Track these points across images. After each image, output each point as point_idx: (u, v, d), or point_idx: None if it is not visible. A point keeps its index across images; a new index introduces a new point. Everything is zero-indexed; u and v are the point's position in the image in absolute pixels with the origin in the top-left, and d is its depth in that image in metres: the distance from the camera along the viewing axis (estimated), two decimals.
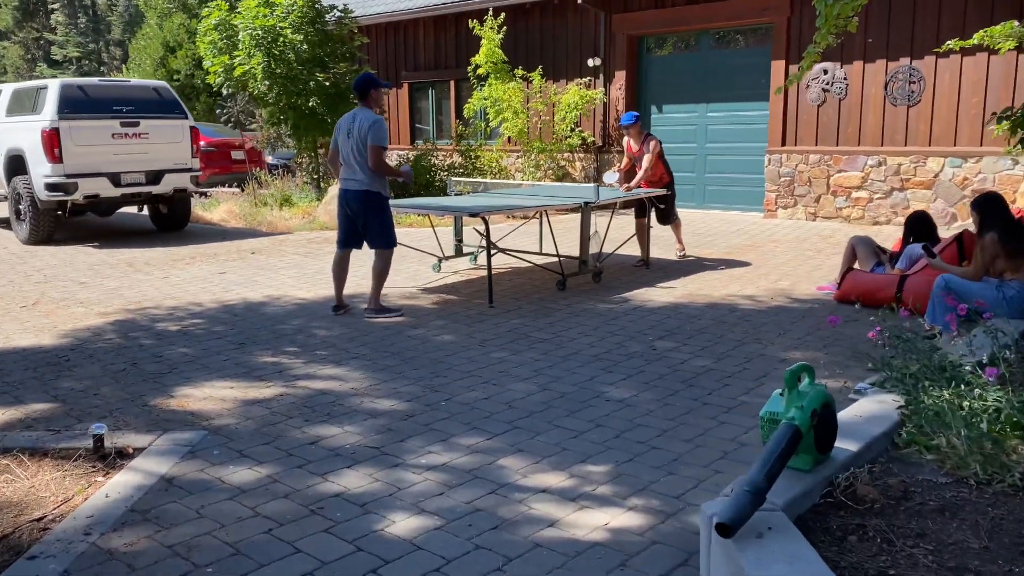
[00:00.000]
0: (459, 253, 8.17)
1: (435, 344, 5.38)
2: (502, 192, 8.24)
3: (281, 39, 12.55)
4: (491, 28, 12.85)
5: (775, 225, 10.96)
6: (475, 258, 8.42)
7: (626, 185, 8.44)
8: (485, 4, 13.76)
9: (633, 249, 8.18)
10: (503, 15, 13.04)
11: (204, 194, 14.72)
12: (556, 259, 7.34)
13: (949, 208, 10.13)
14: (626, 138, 8.59)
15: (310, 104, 13.09)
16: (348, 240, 6.38)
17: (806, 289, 6.86)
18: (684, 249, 8.50)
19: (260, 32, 12.32)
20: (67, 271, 8.43)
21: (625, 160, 8.62)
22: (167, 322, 6.13)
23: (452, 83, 15.50)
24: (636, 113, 8.42)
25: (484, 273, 7.76)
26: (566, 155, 13.70)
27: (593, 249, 7.24)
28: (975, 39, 7.29)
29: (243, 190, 15.30)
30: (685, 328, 5.67)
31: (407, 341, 5.46)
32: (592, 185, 7.08)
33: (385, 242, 6.20)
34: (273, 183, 14.07)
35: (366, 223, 6.19)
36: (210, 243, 10.31)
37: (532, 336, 5.53)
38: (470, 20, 13.34)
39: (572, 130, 13.00)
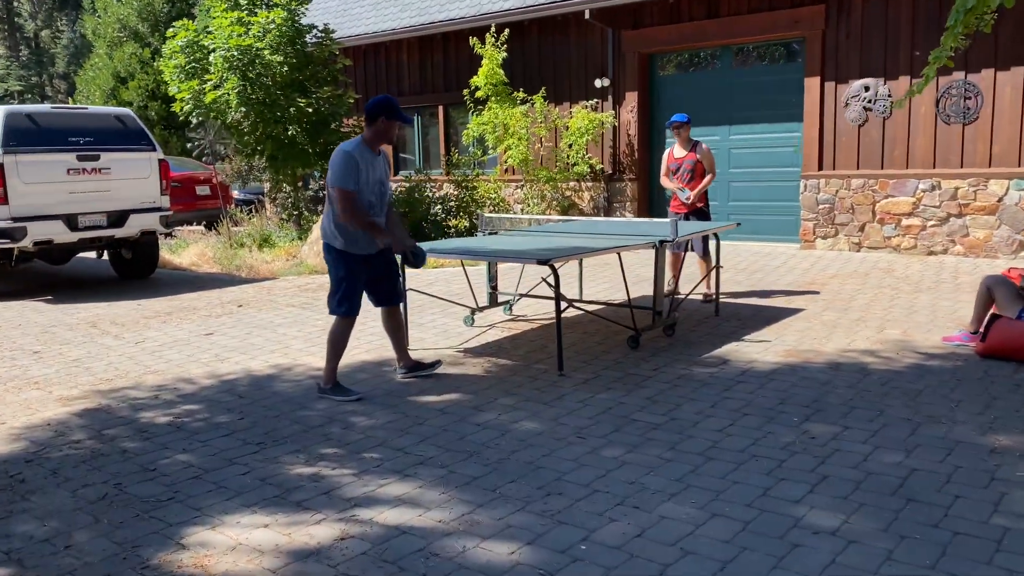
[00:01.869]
0: (493, 302, 6.90)
1: (518, 436, 4.09)
2: (541, 230, 7.00)
3: (258, 61, 11.22)
4: (492, 46, 11.69)
5: (818, 257, 9.91)
6: (510, 307, 7.16)
7: (691, 196, 7.27)
8: (476, 22, 12.63)
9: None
10: (507, 31, 11.90)
11: (170, 235, 13.22)
12: (609, 305, 6.12)
13: (1016, 236, 9.17)
14: (669, 148, 7.49)
15: (289, 132, 11.78)
16: (377, 298, 5.09)
17: (927, 339, 5.74)
18: (711, 289, 7.32)
19: (235, 53, 10.98)
20: (15, 335, 6.95)
21: (664, 174, 7.50)
22: (153, 410, 4.74)
23: (441, 108, 14.30)
24: (687, 115, 7.35)
25: (527, 326, 6.51)
26: (572, 184, 12.55)
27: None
28: None
29: (212, 229, 13.84)
30: (827, 401, 4.47)
31: (479, 433, 4.17)
32: (669, 219, 5.88)
33: (333, 305, 4.88)
34: (249, 221, 12.64)
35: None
36: (185, 293, 8.88)
37: (638, 420, 4.27)
38: (471, 38, 12.17)
39: (580, 157, 11.86)
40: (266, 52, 11.24)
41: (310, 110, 11.62)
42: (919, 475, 3.46)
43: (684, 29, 11.34)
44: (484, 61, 11.70)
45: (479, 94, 12.00)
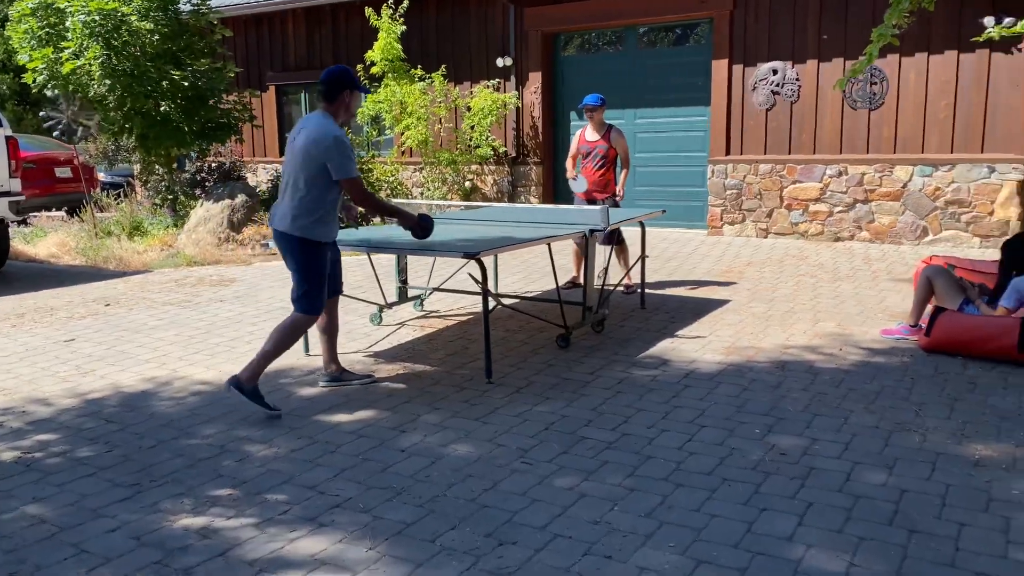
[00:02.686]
0: (403, 298, 6.24)
1: (452, 464, 3.49)
2: (454, 217, 6.37)
3: (124, 28, 10.02)
4: (390, 18, 10.89)
5: (727, 244, 9.72)
6: (421, 302, 6.52)
7: (620, 191, 6.86)
8: None
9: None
10: (406, 2, 11.12)
11: (24, 222, 11.79)
12: (535, 301, 5.60)
13: (920, 222, 9.24)
14: (580, 130, 7.01)
15: (162, 109, 10.63)
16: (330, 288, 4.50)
17: (865, 333, 5.49)
18: (632, 281, 6.94)
19: (97, 18, 9.75)
20: None
21: (572, 156, 7.04)
22: None
23: None
24: (602, 96, 6.88)
25: (442, 323, 5.91)
26: (474, 168, 11.95)
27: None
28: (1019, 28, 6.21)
29: (74, 216, 12.46)
30: (785, 408, 4.09)
31: (405, 462, 3.54)
32: (598, 207, 5.39)
33: (299, 300, 4.23)
34: (119, 207, 11.39)
35: (291, 269, 4.26)
36: (42, 290, 7.75)
37: (587, 438, 3.75)
38: (367, 8, 11.31)
39: (483, 139, 11.26)
40: (133, 18, 10.06)
41: (185, 84, 10.50)
42: (911, 498, 3.09)
43: (588, 8, 10.90)
44: (380, 34, 10.91)
45: (374, 70, 11.19)
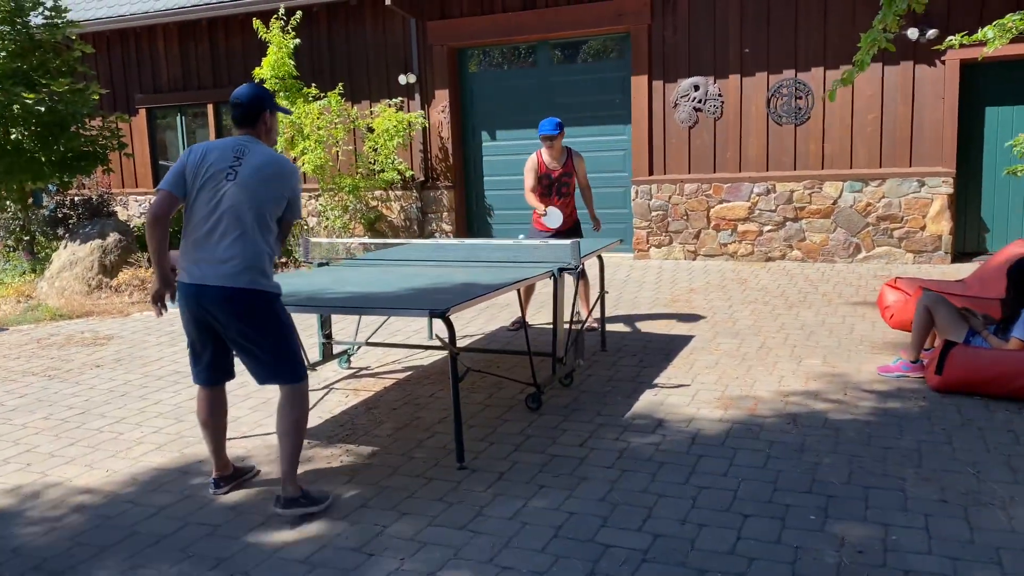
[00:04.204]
0: (328, 355, 5.27)
1: None
2: (389, 258, 5.44)
3: None
4: (280, 31, 9.83)
5: (658, 268, 9.20)
6: (348, 358, 5.55)
7: (597, 219, 6.18)
8: (252, 7, 10.67)
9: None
10: (299, 14, 10.08)
11: None
12: (496, 353, 4.77)
13: (852, 239, 8.99)
14: (534, 155, 6.24)
15: (12, 136, 9.16)
16: (202, 365, 3.46)
17: (859, 370, 4.96)
18: (591, 317, 6.26)
19: None
20: None
21: (530, 189, 6.25)
22: None
23: (211, 107, 12.11)
24: (558, 119, 6.13)
25: (376, 384, 5.01)
26: (379, 193, 10.99)
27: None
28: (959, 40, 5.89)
29: None
30: (826, 480, 3.42)
31: None
32: (568, 242, 4.62)
33: (291, 370, 3.32)
34: None
35: (245, 340, 3.27)
36: None
37: (615, 546, 2.95)
38: (255, 19, 10.17)
39: (388, 163, 10.32)
40: None
41: (40, 109, 9.07)
42: None
43: (497, 21, 10.21)
44: (271, 49, 9.82)
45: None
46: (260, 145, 3.33)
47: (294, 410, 3.29)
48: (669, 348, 5.67)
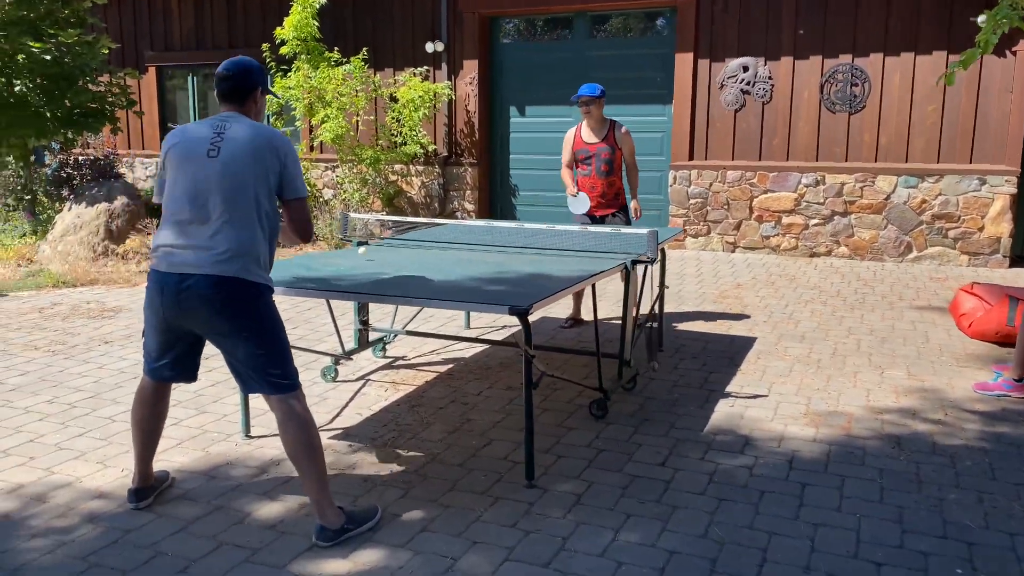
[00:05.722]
0: (363, 343, 4.78)
1: None
2: (435, 240, 4.93)
3: None
4: None
5: (696, 260, 8.71)
6: (383, 347, 5.07)
7: (638, 207, 5.65)
8: None
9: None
10: None
11: None
12: (555, 352, 4.29)
13: (904, 237, 8.50)
14: (573, 129, 5.73)
15: (16, 88, 8.60)
16: (165, 359, 2.94)
17: (951, 386, 4.49)
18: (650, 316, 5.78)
19: None
20: None
21: (567, 165, 5.76)
22: None
23: None
24: (601, 86, 5.61)
25: (415, 377, 4.52)
26: (398, 168, 10.45)
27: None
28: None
29: None
30: (961, 524, 2.96)
31: None
32: (646, 230, 4.12)
33: (281, 375, 2.81)
34: None
35: (230, 338, 2.78)
36: None
37: None
38: None
39: (412, 135, 9.77)
40: None
41: (47, 59, 8.51)
42: None
43: None
44: (294, 8, 9.24)
45: (284, 50, 9.50)
46: (244, 119, 2.84)
47: (296, 428, 2.78)
48: (732, 351, 5.19)
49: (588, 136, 5.64)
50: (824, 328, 5.78)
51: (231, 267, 2.71)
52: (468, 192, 10.32)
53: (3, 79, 8.50)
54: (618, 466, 3.43)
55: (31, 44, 8.36)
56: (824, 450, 3.61)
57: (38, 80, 8.68)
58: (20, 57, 8.34)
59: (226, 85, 2.90)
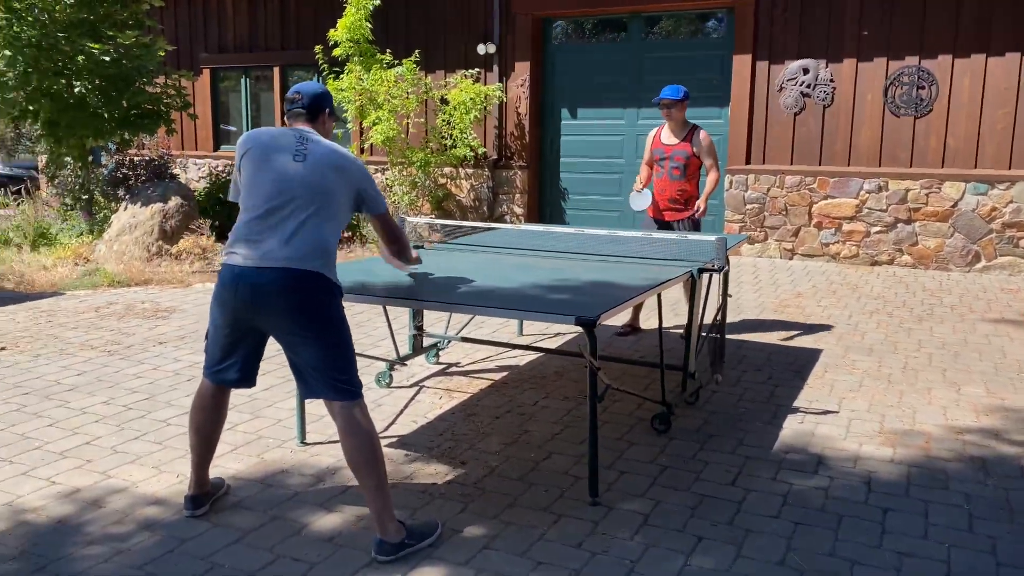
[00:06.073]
0: (418, 349, 4.70)
1: None
2: (487, 244, 4.83)
3: None
4: None
5: (753, 267, 8.48)
6: (436, 353, 4.98)
7: (703, 205, 5.47)
8: None
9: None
10: None
11: None
12: (614, 362, 4.15)
13: (971, 246, 8.17)
14: (655, 129, 5.61)
15: (76, 89, 8.73)
16: (228, 361, 2.89)
17: None
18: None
19: None
20: None
21: (646, 163, 5.65)
22: None
23: (277, 70, 11.60)
24: (684, 88, 5.45)
25: (468, 384, 4.42)
26: (447, 170, 10.39)
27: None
28: None
29: None
30: None
31: None
32: (714, 236, 3.97)
33: (347, 380, 2.75)
34: (19, 208, 9.37)
35: (300, 335, 2.71)
36: None
37: None
38: None
39: (462, 138, 9.70)
40: None
41: (106, 60, 8.62)
42: None
43: None
44: (348, 9, 9.23)
45: (337, 52, 9.50)
46: (318, 137, 2.88)
47: (359, 438, 2.71)
48: (798, 363, 5.00)
49: (667, 137, 5.51)
50: (892, 340, 5.55)
51: (311, 263, 2.71)
52: (517, 195, 10.22)
53: (63, 80, 8.63)
54: (685, 484, 3.28)
55: (91, 46, 8.47)
56: (903, 472, 3.42)
57: (97, 81, 8.80)
58: (80, 59, 8.46)
59: (301, 103, 2.91)
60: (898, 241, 8.47)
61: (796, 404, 4.25)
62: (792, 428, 3.91)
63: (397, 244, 3.13)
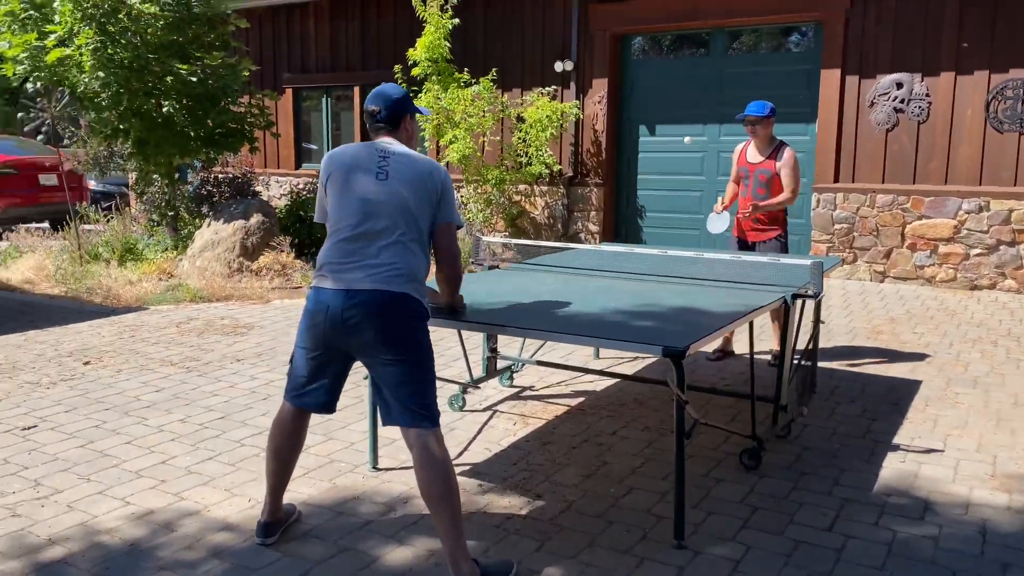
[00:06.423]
0: (492, 371, 4.58)
1: None
2: (566, 266, 4.69)
3: (124, 11, 8.37)
4: (437, 12, 9.26)
5: (843, 290, 8.09)
6: (511, 375, 4.85)
7: (749, 206, 5.21)
8: None
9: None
10: None
11: None
12: (698, 392, 3.93)
13: None
14: (742, 146, 5.40)
15: (164, 109, 8.98)
16: (314, 385, 2.83)
17: None
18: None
19: None
20: None
21: (733, 180, 5.44)
22: None
23: (357, 90, 11.74)
24: (771, 104, 5.22)
25: (543, 409, 4.26)
26: (522, 188, 10.30)
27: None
28: None
29: (59, 230, 10.79)
30: None
31: None
32: (809, 259, 3.75)
33: (425, 408, 2.69)
34: (108, 223, 9.69)
35: (388, 357, 2.63)
36: (7, 334, 6.06)
37: None
38: (414, 1, 9.67)
39: (538, 156, 9.59)
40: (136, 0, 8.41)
41: (193, 81, 8.84)
42: None
43: (669, 4, 9.29)
44: (427, 29, 9.27)
45: (416, 71, 9.54)
46: (402, 146, 2.82)
47: (434, 469, 2.61)
48: (895, 395, 4.68)
49: (752, 155, 5.30)
50: (999, 373, 5.16)
51: (402, 285, 2.66)
52: (592, 213, 10.05)
53: (153, 100, 8.89)
54: (778, 528, 3.05)
55: (179, 67, 8.71)
56: (1021, 522, 3.11)
57: (184, 101, 9.04)
58: (168, 79, 8.70)
59: (382, 113, 2.85)
60: (1000, 264, 7.96)
61: (896, 440, 3.96)
62: (893, 467, 3.62)
63: (453, 268, 2.92)
